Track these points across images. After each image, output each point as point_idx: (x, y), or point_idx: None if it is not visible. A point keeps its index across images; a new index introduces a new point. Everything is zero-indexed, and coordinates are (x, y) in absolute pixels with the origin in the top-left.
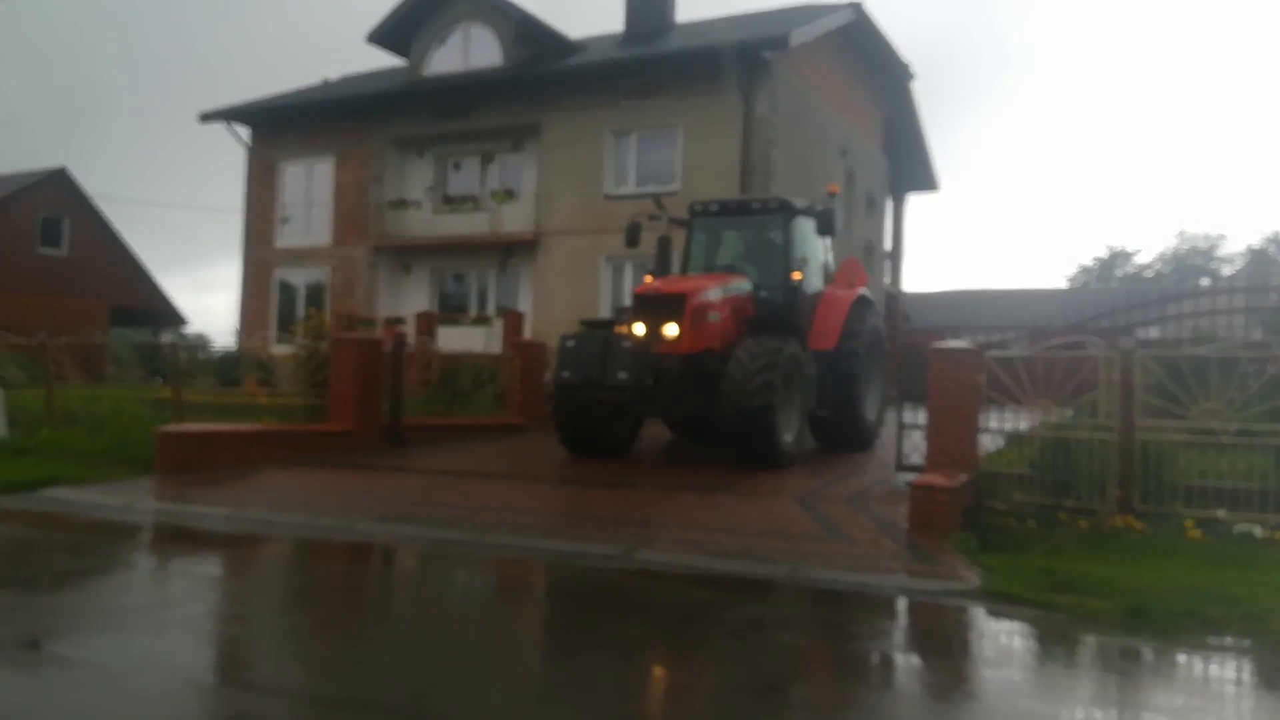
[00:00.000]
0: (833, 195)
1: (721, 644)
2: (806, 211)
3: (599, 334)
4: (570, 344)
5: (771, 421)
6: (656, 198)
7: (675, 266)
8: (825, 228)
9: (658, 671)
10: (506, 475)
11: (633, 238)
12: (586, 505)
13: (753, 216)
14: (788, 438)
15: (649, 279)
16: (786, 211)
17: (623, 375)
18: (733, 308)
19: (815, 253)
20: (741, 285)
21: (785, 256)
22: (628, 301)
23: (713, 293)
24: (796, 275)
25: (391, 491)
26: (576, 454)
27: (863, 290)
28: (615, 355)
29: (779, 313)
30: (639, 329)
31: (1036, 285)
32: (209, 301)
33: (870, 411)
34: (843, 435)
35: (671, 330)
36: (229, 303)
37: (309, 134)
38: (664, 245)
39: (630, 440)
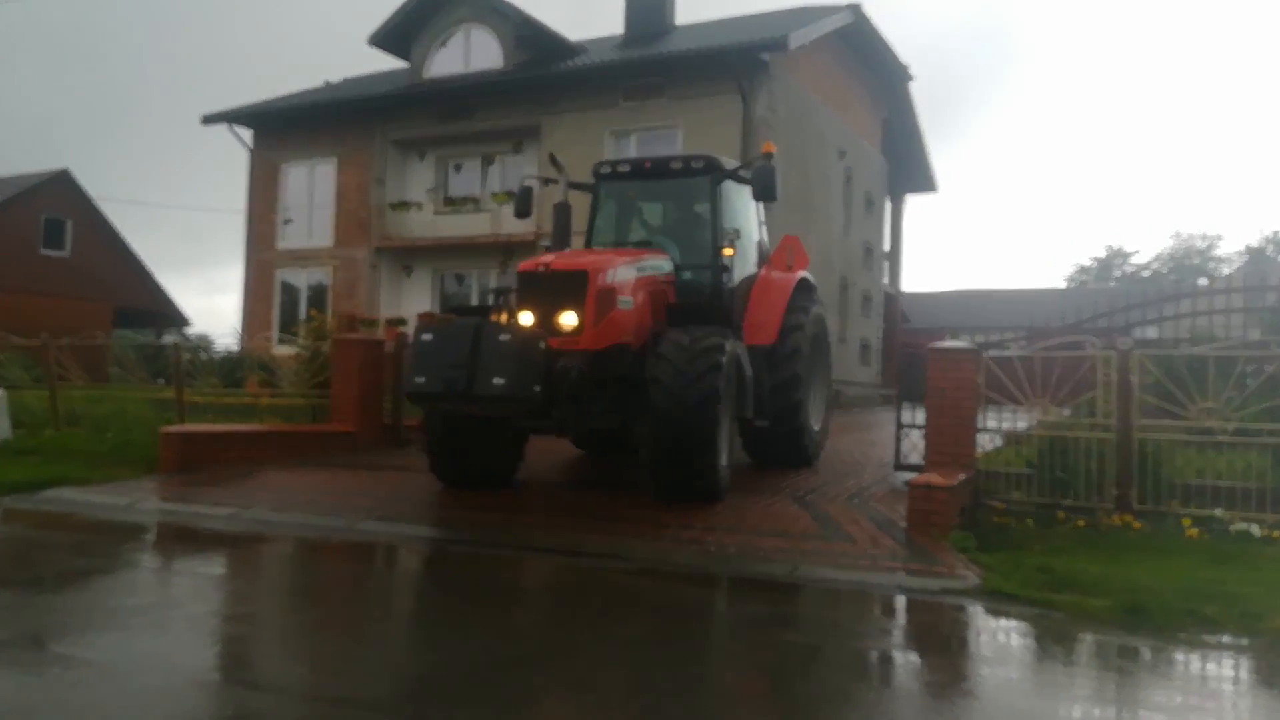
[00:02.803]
0: (769, 155)
1: (722, 642)
2: (739, 174)
3: (466, 324)
4: (426, 338)
5: (715, 444)
6: (553, 155)
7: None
8: (764, 192)
9: (657, 670)
10: None
11: (523, 206)
12: (587, 505)
13: (673, 180)
14: (723, 461)
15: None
16: (715, 173)
17: (499, 381)
18: (649, 291)
19: (749, 226)
20: (660, 263)
21: (714, 229)
22: None
23: (624, 271)
24: (728, 251)
25: (394, 491)
26: (449, 484)
27: (804, 274)
28: (489, 354)
29: (707, 298)
30: (525, 318)
31: (1034, 285)
32: (219, 303)
33: (815, 420)
34: (783, 449)
35: (569, 320)
36: (237, 304)
37: (311, 136)
38: (562, 214)
39: (515, 462)
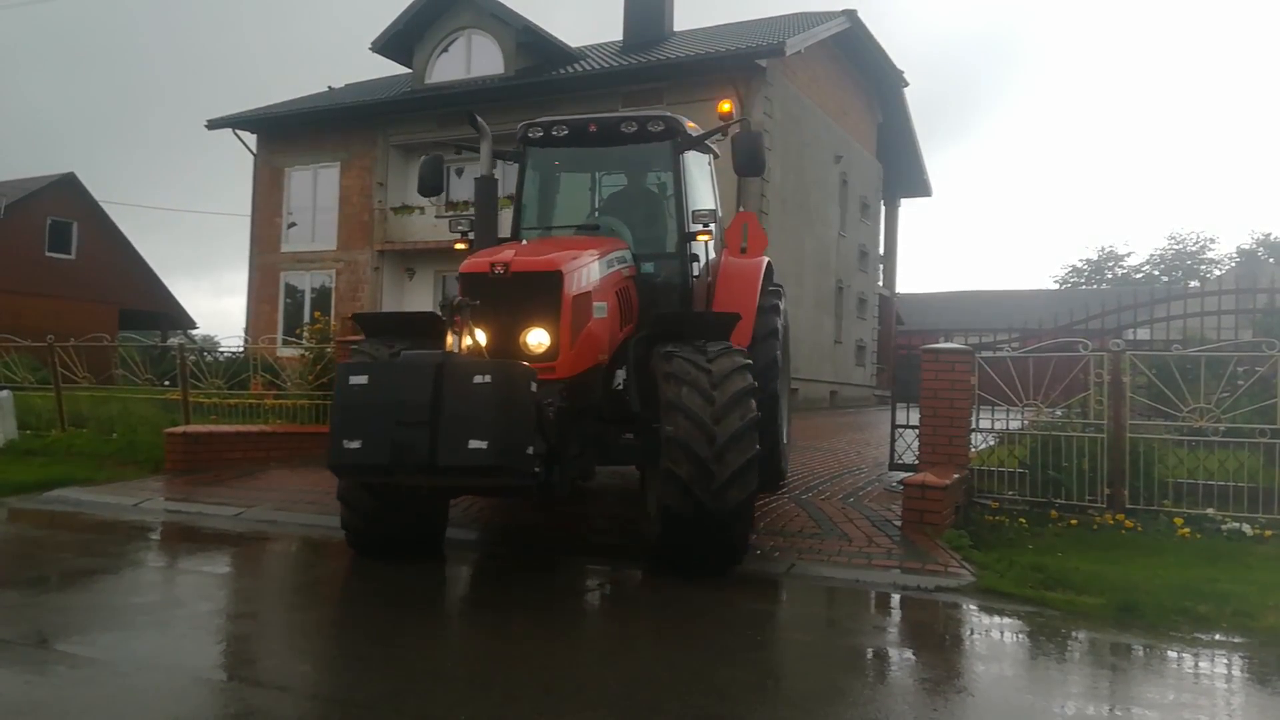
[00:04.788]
0: (727, 117)
1: (720, 639)
2: (703, 143)
3: (421, 361)
4: (358, 381)
5: (752, 503)
6: (473, 114)
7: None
8: (749, 164)
9: (656, 666)
10: None
11: (431, 179)
12: (588, 503)
13: (625, 146)
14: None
15: (461, 245)
16: (677, 139)
17: (478, 445)
18: (616, 291)
19: (709, 203)
20: (623, 254)
21: (679, 208)
22: None
23: (596, 267)
24: (704, 236)
25: None
26: (366, 554)
27: (767, 259)
28: (460, 404)
29: (678, 299)
30: (477, 338)
31: (1027, 286)
32: (227, 304)
33: (785, 433)
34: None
35: (540, 339)
36: (244, 306)
37: (314, 141)
38: (486, 191)
39: (443, 524)
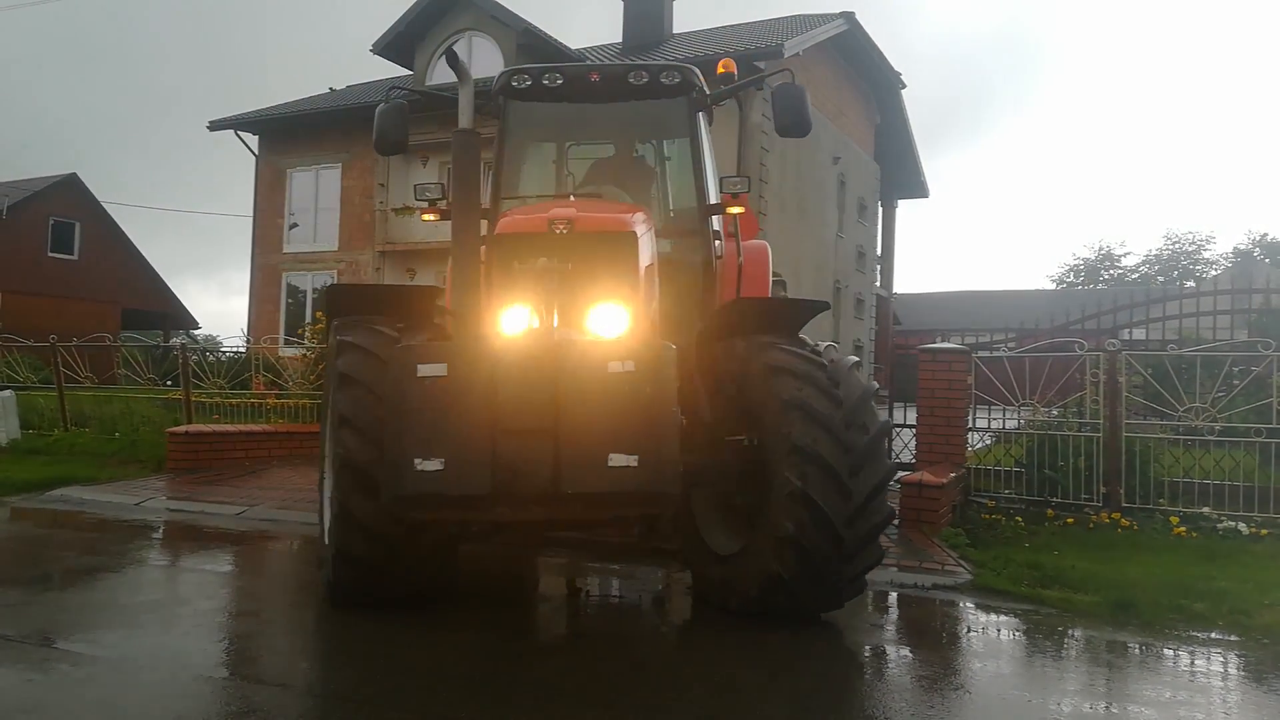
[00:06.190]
0: (728, 79)
1: (718, 637)
2: (724, 99)
3: (530, 341)
4: (431, 373)
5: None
6: (452, 52)
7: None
8: (794, 122)
9: (659, 665)
10: None
11: (391, 130)
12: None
13: (632, 102)
14: None
15: (429, 216)
16: (694, 93)
17: (625, 462)
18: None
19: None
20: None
21: (698, 175)
22: None
23: (650, 236)
24: (737, 209)
25: None
26: (350, 605)
27: (767, 244)
28: (595, 405)
29: (700, 284)
30: (515, 317)
31: (1024, 286)
32: (233, 305)
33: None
34: None
35: (612, 318)
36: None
37: (315, 142)
38: (466, 146)
39: (453, 572)
